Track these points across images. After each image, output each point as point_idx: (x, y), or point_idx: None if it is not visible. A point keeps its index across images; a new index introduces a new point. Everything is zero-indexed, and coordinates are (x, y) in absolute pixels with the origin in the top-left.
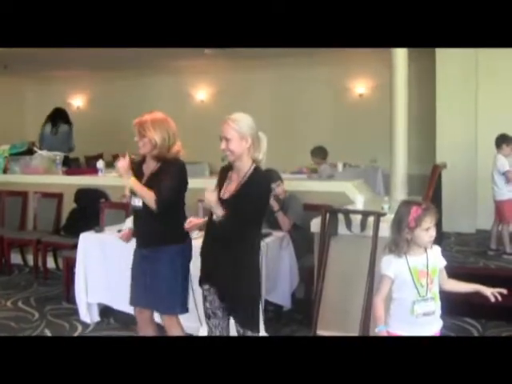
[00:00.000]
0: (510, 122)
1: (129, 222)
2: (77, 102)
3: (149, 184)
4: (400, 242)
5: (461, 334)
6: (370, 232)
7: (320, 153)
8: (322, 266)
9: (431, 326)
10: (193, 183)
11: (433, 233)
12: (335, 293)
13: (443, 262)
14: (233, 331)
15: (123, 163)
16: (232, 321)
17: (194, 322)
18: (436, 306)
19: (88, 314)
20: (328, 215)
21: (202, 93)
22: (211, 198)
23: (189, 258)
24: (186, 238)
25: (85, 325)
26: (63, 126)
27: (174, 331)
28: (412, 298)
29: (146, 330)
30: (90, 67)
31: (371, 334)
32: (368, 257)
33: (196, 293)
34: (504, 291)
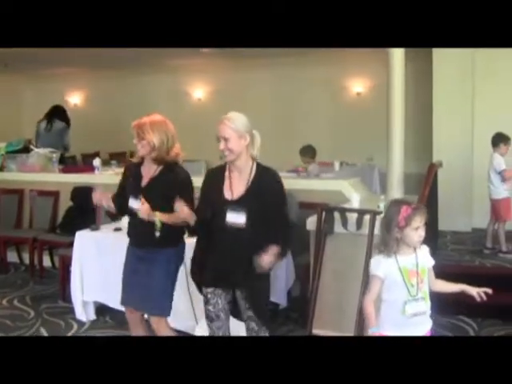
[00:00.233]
0: (507, 121)
1: (125, 221)
2: (74, 99)
3: (150, 188)
4: (390, 242)
5: (456, 333)
6: (365, 230)
7: (308, 152)
8: (318, 265)
9: (422, 326)
10: None
11: (422, 232)
12: (331, 291)
13: (431, 262)
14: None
15: (145, 208)
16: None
17: (190, 321)
18: (427, 306)
19: (84, 313)
20: (324, 213)
21: (199, 91)
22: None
23: (182, 260)
24: (180, 241)
25: (80, 323)
26: (58, 123)
27: (163, 333)
28: (403, 299)
29: (136, 330)
30: (88, 65)
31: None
32: (364, 255)
33: (193, 293)
34: (489, 291)
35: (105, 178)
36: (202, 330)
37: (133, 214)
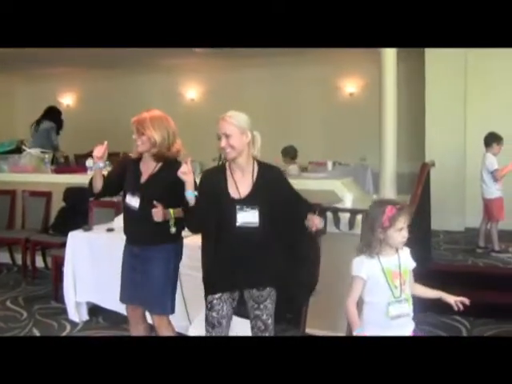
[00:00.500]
0: (499, 120)
1: (118, 221)
2: (66, 100)
3: (149, 184)
4: (373, 242)
5: (449, 331)
6: (358, 230)
7: (289, 152)
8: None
9: (405, 327)
10: None
11: (405, 233)
12: (324, 291)
13: (413, 264)
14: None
15: (159, 211)
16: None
17: (183, 321)
18: (410, 307)
19: (77, 313)
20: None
21: (192, 91)
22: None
23: (180, 257)
24: (178, 238)
25: (73, 324)
26: (45, 123)
27: (164, 331)
28: (386, 300)
29: (137, 328)
30: (81, 65)
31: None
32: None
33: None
34: (466, 300)
35: None
36: (195, 330)
37: (129, 211)
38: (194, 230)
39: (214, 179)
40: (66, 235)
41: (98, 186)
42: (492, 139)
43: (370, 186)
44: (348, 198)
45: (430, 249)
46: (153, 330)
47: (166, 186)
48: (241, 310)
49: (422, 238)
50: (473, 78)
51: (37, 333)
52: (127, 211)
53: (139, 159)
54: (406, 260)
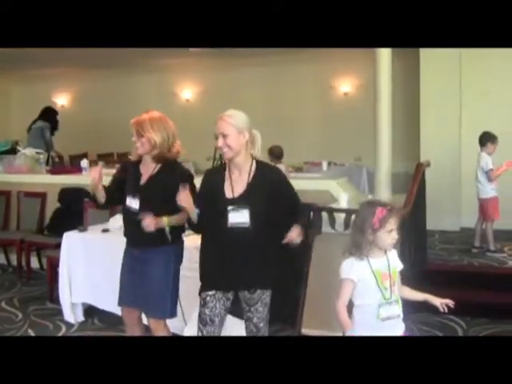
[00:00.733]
0: (494, 120)
1: (113, 222)
2: (61, 100)
3: (149, 186)
4: (362, 244)
5: (446, 331)
6: None
7: (274, 152)
8: (306, 265)
9: (396, 329)
10: None
11: (395, 235)
12: (319, 291)
13: (401, 265)
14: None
15: (150, 222)
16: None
17: (178, 322)
18: (400, 309)
19: (72, 314)
20: (312, 213)
21: (187, 92)
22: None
23: (180, 260)
24: (178, 240)
25: (69, 325)
26: (39, 122)
27: (160, 334)
28: (377, 302)
29: (133, 330)
30: (76, 66)
31: None
32: None
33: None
34: (451, 302)
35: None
36: (191, 330)
37: (129, 214)
38: (196, 231)
39: (213, 179)
40: (61, 236)
41: (101, 198)
42: (487, 139)
43: (365, 186)
44: (343, 198)
45: (426, 249)
46: (148, 330)
47: (166, 187)
48: (237, 311)
49: (417, 238)
50: (468, 78)
51: (32, 334)
52: (127, 213)
53: (139, 161)
54: (394, 261)
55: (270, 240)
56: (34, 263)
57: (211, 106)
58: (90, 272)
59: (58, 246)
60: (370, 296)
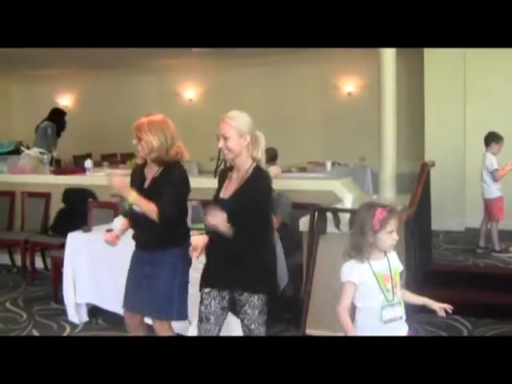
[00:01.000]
0: (499, 120)
1: (116, 222)
2: (65, 101)
3: (151, 189)
4: (363, 246)
5: (451, 332)
6: None
7: (269, 154)
8: (311, 265)
9: (399, 331)
10: None
11: (396, 236)
12: (324, 291)
13: (401, 267)
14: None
15: (118, 181)
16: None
17: (182, 323)
18: (402, 310)
19: (76, 315)
20: (316, 214)
21: (190, 92)
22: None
23: (189, 262)
24: (186, 242)
25: (73, 325)
26: (44, 123)
27: (164, 335)
28: (379, 305)
29: (136, 332)
30: (79, 66)
31: None
32: None
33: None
34: (449, 307)
35: (96, 180)
36: (195, 331)
37: (135, 217)
38: None
39: (220, 179)
40: (66, 236)
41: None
42: (491, 139)
43: (370, 186)
44: (348, 199)
45: (431, 249)
46: (151, 331)
47: (164, 189)
48: (234, 309)
49: (422, 238)
50: (472, 78)
51: (36, 334)
52: (134, 216)
53: (145, 164)
54: (395, 262)
55: (249, 244)
56: (39, 263)
57: (214, 106)
58: (94, 272)
59: (63, 246)
60: (372, 298)
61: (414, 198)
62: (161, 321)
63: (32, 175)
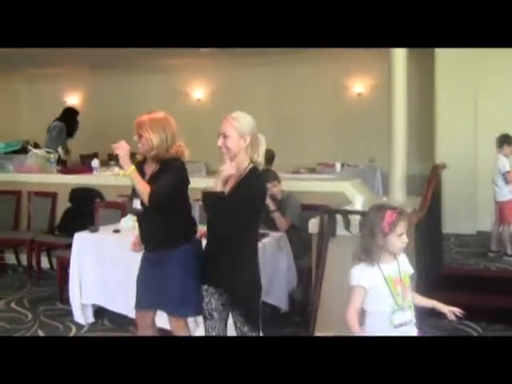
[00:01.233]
0: (510, 121)
1: (124, 222)
2: (72, 100)
3: (150, 185)
4: (373, 249)
5: None
6: None
7: (266, 156)
8: (321, 267)
9: (409, 335)
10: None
11: (405, 239)
12: (333, 295)
13: (411, 270)
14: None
15: (122, 146)
16: (230, 323)
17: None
18: (412, 314)
19: (82, 315)
20: (326, 216)
21: (198, 91)
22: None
23: (198, 257)
24: (192, 238)
25: (79, 326)
26: (54, 123)
27: (180, 333)
28: (389, 309)
29: (146, 333)
30: (87, 65)
31: None
32: None
33: None
34: (459, 311)
35: (103, 180)
36: (201, 333)
37: (138, 215)
38: None
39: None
40: (72, 236)
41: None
42: (503, 141)
43: (380, 188)
44: (358, 200)
45: (442, 252)
46: (161, 333)
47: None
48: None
49: (433, 242)
50: (484, 79)
51: (41, 334)
52: (137, 215)
53: (145, 161)
54: (405, 265)
55: (240, 244)
56: (45, 263)
57: (223, 106)
58: (100, 273)
59: (69, 246)
60: (382, 302)
61: (425, 200)
62: (177, 319)
63: (39, 174)
